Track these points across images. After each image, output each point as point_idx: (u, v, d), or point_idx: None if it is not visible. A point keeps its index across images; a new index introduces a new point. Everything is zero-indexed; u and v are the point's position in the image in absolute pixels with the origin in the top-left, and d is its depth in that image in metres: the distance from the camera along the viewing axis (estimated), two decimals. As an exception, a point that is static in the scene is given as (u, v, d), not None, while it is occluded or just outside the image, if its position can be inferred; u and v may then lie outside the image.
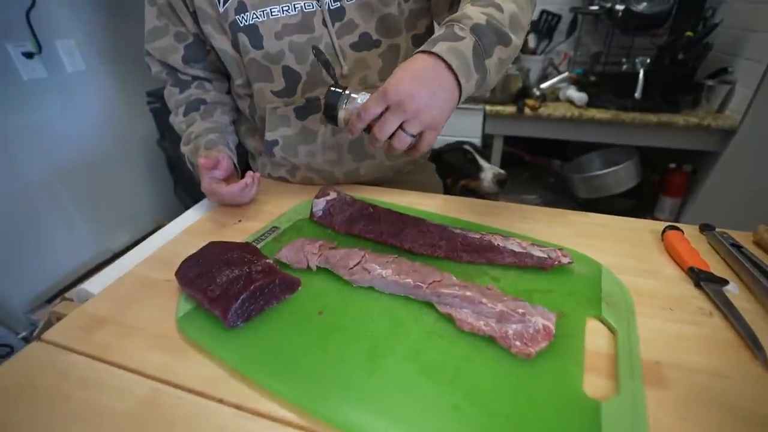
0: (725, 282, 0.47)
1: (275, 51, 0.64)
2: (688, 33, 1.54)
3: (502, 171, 1.55)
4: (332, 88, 0.53)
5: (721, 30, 1.60)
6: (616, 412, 0.32)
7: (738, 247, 0.53)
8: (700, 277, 0.48)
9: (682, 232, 0.57)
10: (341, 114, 0.53)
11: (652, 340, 0.40)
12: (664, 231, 0.58)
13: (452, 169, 1.62)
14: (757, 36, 1.45)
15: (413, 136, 0.48)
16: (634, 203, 1.98)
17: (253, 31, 0.62)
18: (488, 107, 1.81)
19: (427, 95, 0.46)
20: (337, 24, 0.63)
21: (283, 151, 0.71)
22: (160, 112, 1.91)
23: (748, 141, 1.47)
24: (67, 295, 0.55)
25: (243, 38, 0.63)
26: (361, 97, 0.52)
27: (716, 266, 0.51)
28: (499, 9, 0.50)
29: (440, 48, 0.46)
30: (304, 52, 0.64)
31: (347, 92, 0.53)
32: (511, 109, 1.77)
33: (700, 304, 0.45)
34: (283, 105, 0.68)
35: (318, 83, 0.67)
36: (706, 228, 0.59)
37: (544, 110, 1.73)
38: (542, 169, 2.38)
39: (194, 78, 0.74)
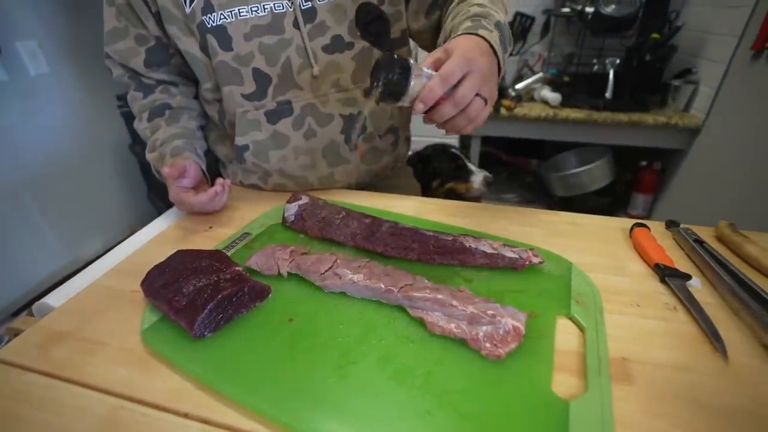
0: (688, 277, 0.49)
1: (245, 53, 0.62)
2: (654, 35, 1.59)
3: (489, 174, 1.57)
4: (397, 55, 0.45)
5: (684, 32, 1.67)
6: (584, 410, 0.32)
7: (700, 242, 0.55)
8: (665, 273, 0.49)
9: (649, 229, 0.59)
10: (414, 82, 0.45)
11: (620, 337, 0.41)
12: (632, 228, 0.59)
13: (439, 173, 1.63)
14: (716, 38, 1.51)
15: (485, 102, 0.47)
16: (609, 200, 2.03)
17: (221, 32, 0.60)
18: (465, 108, 1.82)
19: (490, 64, 0.47)
20: (309, 25, 0.62)
21: (254, 156, 0.69)
22: (132, 116, 1.86)
23: (711, 139, 1.53)
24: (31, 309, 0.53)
25: (211, 40, 0.61)
26: (427, 69, 0.46)
27: (681, 262, 0.53)
28: (499, 14, 0.56)
29: (483, 33, 0.48)
30: (274, 54, 0.63)
31: (414, 62, 0.46)
32: (487, 109, 1.79)
33: (666, 299, 0.47)
34: (254, 109, 0.66)
35: (289, 86, 0.65)
36: (671, 224, 0.61)
37: (519, 110, 1.76)
38: (520, 168, 2.41)
39: (158, 82, 0.71)
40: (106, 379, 0.37)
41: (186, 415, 0.34)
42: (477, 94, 0.46)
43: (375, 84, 0.46)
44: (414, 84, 0.44)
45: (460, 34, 0.49)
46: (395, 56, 0.45)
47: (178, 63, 0.69)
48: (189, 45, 0.63)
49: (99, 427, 0.33)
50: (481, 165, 2.06)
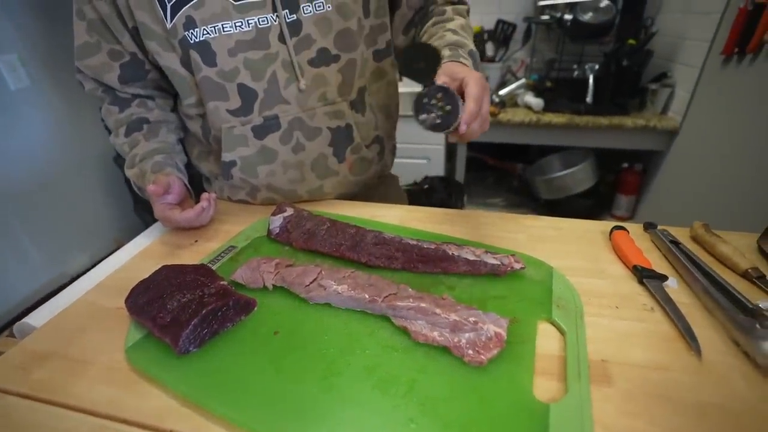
0: (665, 278, 0.50)
1: (229, 68, 0.62)
2: (631, 41, 1.64)
3: None
4: (442, 86, 0.48)
5: (659, 38, 1.72)
6: (564, 413, 0.33)
7: (676, 243, 0.56)
8: (642, 275, 0.51)
9: (628, 231, 0.60)
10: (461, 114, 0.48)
11: (600, 339, 0.42)
12: (611, 231, 0.61)
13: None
14: (689, 43, 1.56)
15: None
16: (593, 202, 2.07)
17: (205, 47, 0.60)
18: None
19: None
20: (294, 39, 0.62)
21: (241, 172, 0.69)
22: (116, 129, 1.84)
23: (689, 140, 1.57)
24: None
25: (195, 55, 0.60)
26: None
27: (658, 263, 0.54)
28: (468, 39, 0.64)
29: (466, 62, 0.57)
30: (260, 69, 0.62)
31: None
32: (471, 116, 1.82)
33: (644, 300, 0.48)
34: (240, 124, 0.65)
35: (276, 101, 0.65)
36: (649, 226, 0.63)
37: (503, 116, 1.79)
38: (506, 172, 2.45)
39: (134, 96, 0.70)
40: (90, 399, 0.37)
41: (171, 433, 0.34)
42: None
43: (424, 116, 0.49)
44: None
45: (448, 61, 0.56)
46: (441, 87, 0.48)
47: (154, 78, 0.69)
48: (170, 60, 0.63)
49: (82, 449, 0.33)
50: (468, 170, 2.10)
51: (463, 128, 0.48)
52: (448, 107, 0.48)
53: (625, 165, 1.93)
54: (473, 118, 0.48)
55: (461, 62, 0.56)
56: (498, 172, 2.48)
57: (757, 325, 0.39)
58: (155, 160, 0.66)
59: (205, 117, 0.68)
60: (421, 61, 0.49)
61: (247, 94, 0.64)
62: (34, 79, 1.64)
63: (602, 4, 1.67)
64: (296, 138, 0.67)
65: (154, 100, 0.72)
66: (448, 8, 0.70)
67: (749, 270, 0.50)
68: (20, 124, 1.62)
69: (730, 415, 0.34)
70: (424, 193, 1.99)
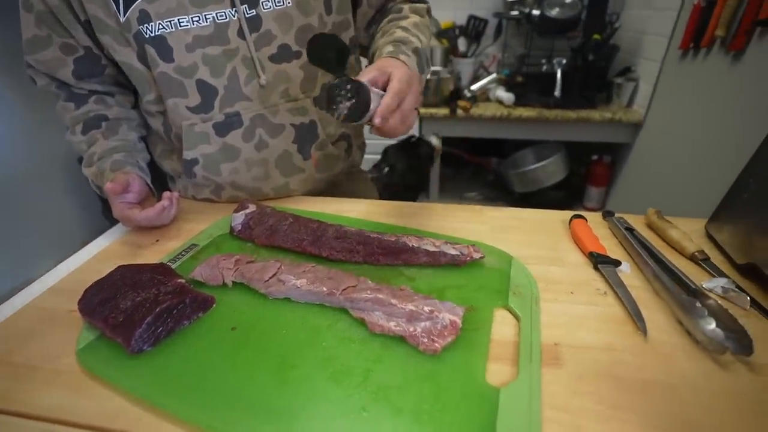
0: (618, 263, 0.52)
1: (187, 64, 0.60)
2: (596, 36, 1.68)
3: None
4: (354, 79, 0.48)
5: (623, 33, 1.77)
6: (513, 395, 0.34)
7: (631, 230, 0.58)
8: (597, 261, 0.52)
9: (586, 220, 0.62)
10: (373, 104, 0.49)
11: (554, 323, 0.43)
12: (570, 220, 0.63)
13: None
14: (651, 38, 1.61)
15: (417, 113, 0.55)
16: (565, 194, 2.12)
17: (160, 42, 0.58)
18: (422, 109, 1.86)
19: (419, 83, 0.56)
20: (254, 35, 0.61)
21: (204, 170, 0.67)
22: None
23: (652, 132, 1.63)
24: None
25: (150, 50, 0.59)
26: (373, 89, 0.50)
27: (614, 249, 0.56)
28: (419, 41, 0.64)
29: (404, 59, 0.56)
30: (219, 65, 0.61)
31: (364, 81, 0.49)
32: (444, 110, 1.83)
33: (598, 285, 0.50)
34: (201, 121, 0.64)
35: (237, 97, 0.64)
36: (607, 214, 0.65)
37: (475, 110, 1.81)
38: (481, 167, 2.48)
39: (91, 92, 0.68)
40: (37, 404, 0.36)
41: (122, 434, 0.33)
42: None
43: (334, 107, 0.49)
44: (373, 102, 0.49)
45: (386, 57, 0.57)
46: (352, 80, 0.48)
47: (112, 73, 0.66)
48: (126, 55, 0.61)
49: (27, 454, 0.32)
50: (444, 165, 2.12)
51: (376, 121, 0.48)
52: (354, 101, 0.48)
53: (595, 157, 1.99)
54: (389, 111, 0.48)
55: (399, 58, 0.56)
56: (473, 167, 2.51)
57: (698, 304, 0.41)
58: (114, 159, 0.64)
59: (166, 114, 0.66)
60: (329, 51, 0.50)
61: (206, 91, 0.62)
62: (-12, 77, 1.57)
63: (568, 0, 1.70)
64: (259, 135, 0.66)
65: (113, 97, 0.70)
66: (406, 6, 0.70)
67: (696, 253, 0.53)
68: (-25, 125, 1.54)
69: (671, 389, 0.36)
70: (388, 176, 1.78)
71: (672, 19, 1.43)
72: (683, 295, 0.43)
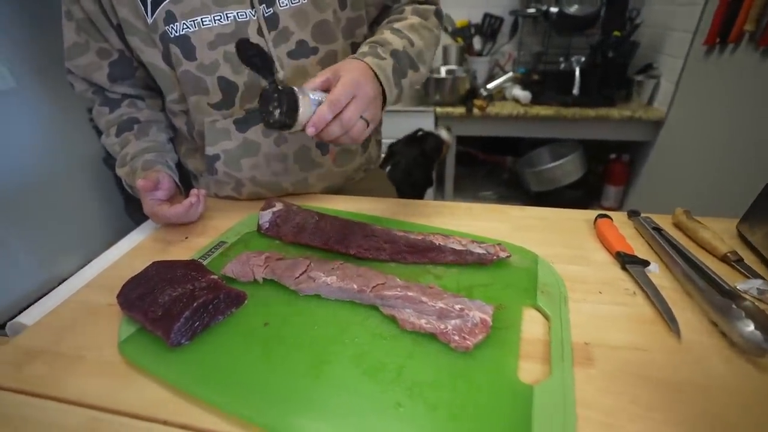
0: (647, 263, 0.52)
1: (209, 62, 0.62)
2: (616, 33, 1.65)
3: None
4: (282, 87, 0.47)
5: (644, 29, 1.74)
6: (547, 393, 0.34)
7: (659, 230, 0.58)
8: (625, 260, 0.52)
9: (612, 219, 0.62)
10: (302, 110, 0.48)
11: (583, 323, 0.43)
12: (595, 220, 0.62)
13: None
14: (674, 34, 1.58)
15: (368, 124, 0.53)
16: (582, 193, 2.09)
17: (184, 41, 0.60)
18: (438, 109, 1.86)
19: (374, 90, 0.53)
20: (273, 33, 0.62)
21: (225, 165, 0.69)
22: (103, 129, 1.82)
23: (674, 130, 1.59)
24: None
25: (175, 50, 0.61)
26: (313, 93, 0.49)
27: (641, 249, 0.56)
28: (411, 42, 0.62)
29: (369, 61, 0.55)
30: (240, 63, 0.63)
31: (299, 88, 0.49)
32: (460, 109, 1.83)
33: (626, 285, 0.49)
34: (222, 118, 0.66)
35: (257, 93, 0.65)
36: (632, 214, 0.64)
37: (491, 109, 1.80)
38: (496, 166, 2.46)
39: (124, 96, 0.71)
40: (83, 392, 0.37)
41: (165, 423, 0.34)
42: (361, 116, 0.51)
43: (264, 115, 0.49)
44: (302, 111, 0.48)
45: (350, 58, 0.56)
46: (280, 87, 0.47)
47: (142, 76, 0.69)
48: (152, 56, 0.63)
49: (76, 441, 0.33)
50: (458, 164, 2.11)
51: (309, 131, 0.48)
52: (279, 109, 0.47)
53: (613, 156, 1.96)
54: (322, 121, 0.48)
55: (364, 60, 0.54)
56: (488, 166, 2.49)
57: (733, 306, 0.40)
58: (145, 159, 0.67)
59: (189, 113, 0.69)
60: (254, 56, 0.51)
61: (227, 88, 0.64)
62: (20, 81, 1.62)
63: (587, -3, 1.68)
64: None
65: (143, 101, 0.73)
66: (409, 8, 0.69)
67: (728, 254, 0.52)
68: (6, 126, 1.59)
69: (707, 391, 0.35)
70: (391, 172, 1.70)
71: (697, 14, 1.40)
72: (717, 297, 0.42)
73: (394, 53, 0.59)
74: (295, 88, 0.48)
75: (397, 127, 1.80)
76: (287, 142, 0.69)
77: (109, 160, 1.95)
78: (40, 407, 0.37)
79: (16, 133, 1.63)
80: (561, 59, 1.91)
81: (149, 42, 0.62)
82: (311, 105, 0.48)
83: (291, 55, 0.64)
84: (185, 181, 0.81)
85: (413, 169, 1.69)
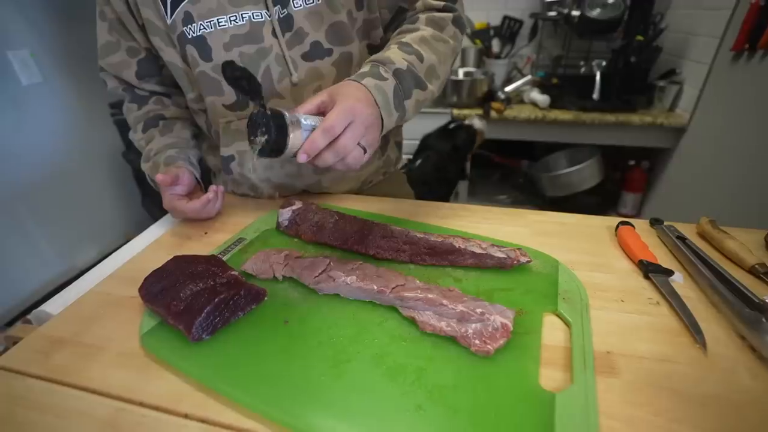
0: (671, 272, 0.51)
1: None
2: (639, 37, 1.62)
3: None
4: (270, 111, 0.45)
5: (668, 34, 1.70)
6: (569, 402, 0.33)
7: (683, 239, 0.57)
8: (648, 269, 0.51)
9: (634, 227, 0.60)
10: (292, 136, 0.45)
11: (605, 331, 0.42)
12: (617, 227, 0.61)
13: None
14: (699, 39, 1.55)
15: (365, 151, 0.51)
16: (599, 200, 2.06)
17: (201, 42, 0.61)
18: (455, 111, 1.85)
19: (372, 115, 0.50)
20: (287, 34, 0.62)
21: (240, 166, 0.70)
22: (125, 124, 1.85)
23: (697, 137, 1.56)
24: (27, 317, 0.53)
25: (191, 50, 0.61)
26: (306, 118, 0.47)
27: (664, 258, 0.55)
28: (420, 58, 0.57)
29: (368, 83, 0.51)
30: (254, 64, 0.63)
31: (289, 113, 0.46)
32: (477, 112, 1.82)
33: (649, 294, 0.48)
34: (236, 119, 0.66)
35: (270, 94, 0.65)
36: (655, 222, 0.63)
37: (509, 113, 1.79)
38: (511, 169, 2.44)
39: (152, 93, 0.73)
40: (106, 382, 0.38)
41: (186, 416, 0.35)
42: (358, 143, 0.49)
43: (252, 140, 0.46)
44: (293, 137, 0.45)
45: (347, 80, 0.52)
46: (269, 112, 0.45)
47: (168, 74, 0.70)
48: (171, 56, 0.64)
49: (101, 428, 0.34)
50: (473, 167, 2.10)
51: (301, 158, 0.46)
52: (266, 136, 0.45)
53: (632, 162, 1.93)
54: (314, 149, 0.46)
55: (361, 83, 0.51)
56: (503, 170, 2.47)
57: (764, 319, 0.39)
58: (168, 154, 0.68)
59: (206, 112, 0.69)
60: (241, 78, 0.49)
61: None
62: (46, 75, 1.67)
63: (610, 0, 1.65)
64: None
65: (170, 98, 0.75)
66: (423, 17, 0.64)
67: (756, 266, 0.50)
68: (31, 119, 1.64)
69: (734, 406, 0.34)
70: (421, 167, 1.64)
71: (724, 19, 1.36)
72: (746, 309, 0.41)
73: (397, 73, 0.54)
74: (286, 113, 0.46)
75: (414, 129, 1.80)
76: (287, 160, 0.68)
77: (128, 154, 1.99)
78: (64, 395, 0.37)
79: (39, 126, 1.68)
80: (581, 63, 1.88)
81: (169, 42, 0.63)
82: (303, 130, 0.46)
83: (305, 57, 0.64)
84: (207, 178, 0.82)
85: (445, 163, 1.65)
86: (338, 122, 0.46)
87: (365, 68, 0.55)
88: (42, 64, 1.65)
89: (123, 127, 1.90)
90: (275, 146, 0.45)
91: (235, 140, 0.68)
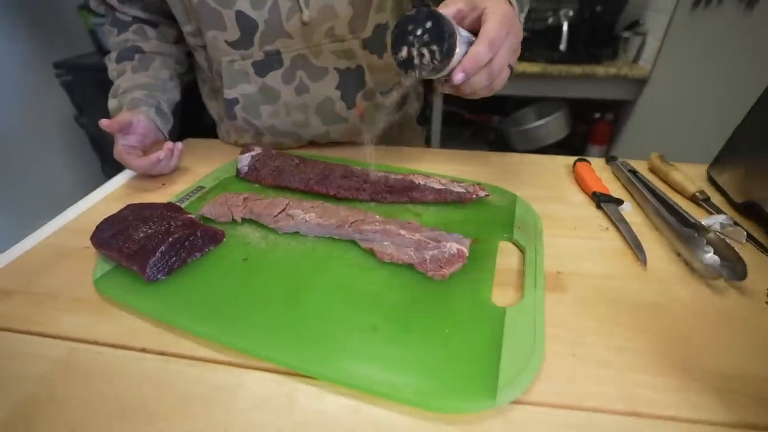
0: (621, 202, 0.53)
1: None
2: (605, -15, 1.61)
3: None
4: (443, 18, 0.35)
5: (633, -17, 1.69)
6: (518, 314, 0.35)
7: (634, 172, 0.59)
8: (600, 200, 0.53)
9: (590, 163, 0.63)
10: (458, 51, 0.36)
11: (557, 255, 0.45)
12: (574, 164, 0.63)
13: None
14: (662, -12, 1.55)
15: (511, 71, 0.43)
16: (566, 152, 2.10)
17: None
18: (424, 65, 1.81)
19: (520, 34, 0.43)
20: None
21: (244, 111, 0.64)
22: (74, 85, 1.72)
23: (657, 89, 1.59)
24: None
25: None
26: (460, 29, 0.37)
27: (616, 190, 0.57)
28: None
29: None
30: None
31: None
32: (446, 66, 1.78)
33: (600, 222, 0.51)
34: (240, 58, 0.60)
35: (278, 34, 0.58)
36: (610, 159, 0.65)
37: (478, 66, 1.76)
38: (483, 125, 2.45)
39: (134, 19, 0.65)
40: (59, 326, 0.37)
41: (143, 350, 0.35)
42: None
43: (399, 52, 0.36)
44: (458, 51, 0.36)
45: None
46: (434, 12, 0.34)
47: (155, 0, 0.63)
48: None
49: (55, 369, 0.34)
50: (444, 123, 2.08)
51: (458, 77, 0.37)
52: (434, 46, 0.35)
53: (597, 115, 1.96)
54: (476, 66, 0.37)
55: None
56: (474, 126, 2.47)
57: (696, 235, 0.42)
58: (134, 96, 0.62)
59: (206, 48, 0.62)
60: None
61: (246, 25, 0.57)
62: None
63: (578, -54, 1.62)
64: (299, 77, 0.62)
65: (155, 28, 0.67)
66: None
67: (696, 193, 0.53)
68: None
69: (668, 310, 0.37)
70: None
71: (685, -33, 1.36)
72: (683, 228, 0.44)
73: None
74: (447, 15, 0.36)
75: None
76: (309, 92, 0.63)
77: (80, 118, 1.87)
78: (19, 340, 0.36)
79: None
80: (549, 13, 1.86)
81: None
82: (462, 43, 0.36)
83: None
84: (199, 127, 0.74)
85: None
86: (500, 36, 0.38)
87: None
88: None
89: (72, 89, 1.76)
90: (446, 56, 0.35)
91: (239, 82, 0.62)
